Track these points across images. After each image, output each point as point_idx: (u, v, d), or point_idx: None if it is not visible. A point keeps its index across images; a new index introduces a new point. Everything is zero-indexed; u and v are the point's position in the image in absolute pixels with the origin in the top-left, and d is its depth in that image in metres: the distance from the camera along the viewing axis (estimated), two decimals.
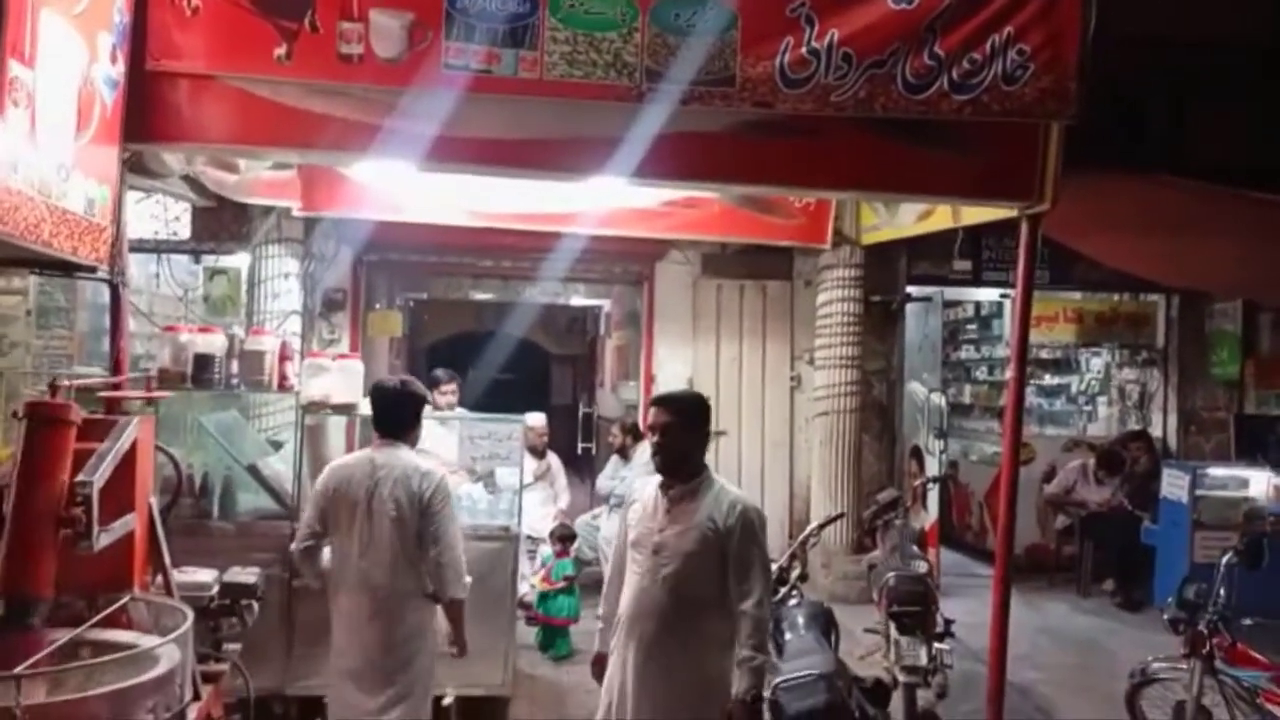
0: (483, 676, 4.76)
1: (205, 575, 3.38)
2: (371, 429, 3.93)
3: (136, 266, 6.35)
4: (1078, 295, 9.33)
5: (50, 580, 2.48)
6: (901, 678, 4.83)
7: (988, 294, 9.55)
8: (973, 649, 5.81)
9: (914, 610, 5.04)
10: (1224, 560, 4.60)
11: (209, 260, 7.30)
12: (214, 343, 4.49)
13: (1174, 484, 7.30)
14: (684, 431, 3.23)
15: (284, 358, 4.68)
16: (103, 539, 2.60)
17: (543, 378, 17.20)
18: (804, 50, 3.77)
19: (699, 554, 3.10)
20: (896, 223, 6.58)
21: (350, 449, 6.90)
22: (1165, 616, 4.63)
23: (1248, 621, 4.60)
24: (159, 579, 3.10)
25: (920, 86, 3.83)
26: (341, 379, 4.73)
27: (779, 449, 8.11)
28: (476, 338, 14.18)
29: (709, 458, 3.37)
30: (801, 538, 4.86)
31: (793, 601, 4.42)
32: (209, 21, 3.65)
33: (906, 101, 3.85)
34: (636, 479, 3.55)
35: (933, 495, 7.39)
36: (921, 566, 5.46)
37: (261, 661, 4.10)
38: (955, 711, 5.09)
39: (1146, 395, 9.51)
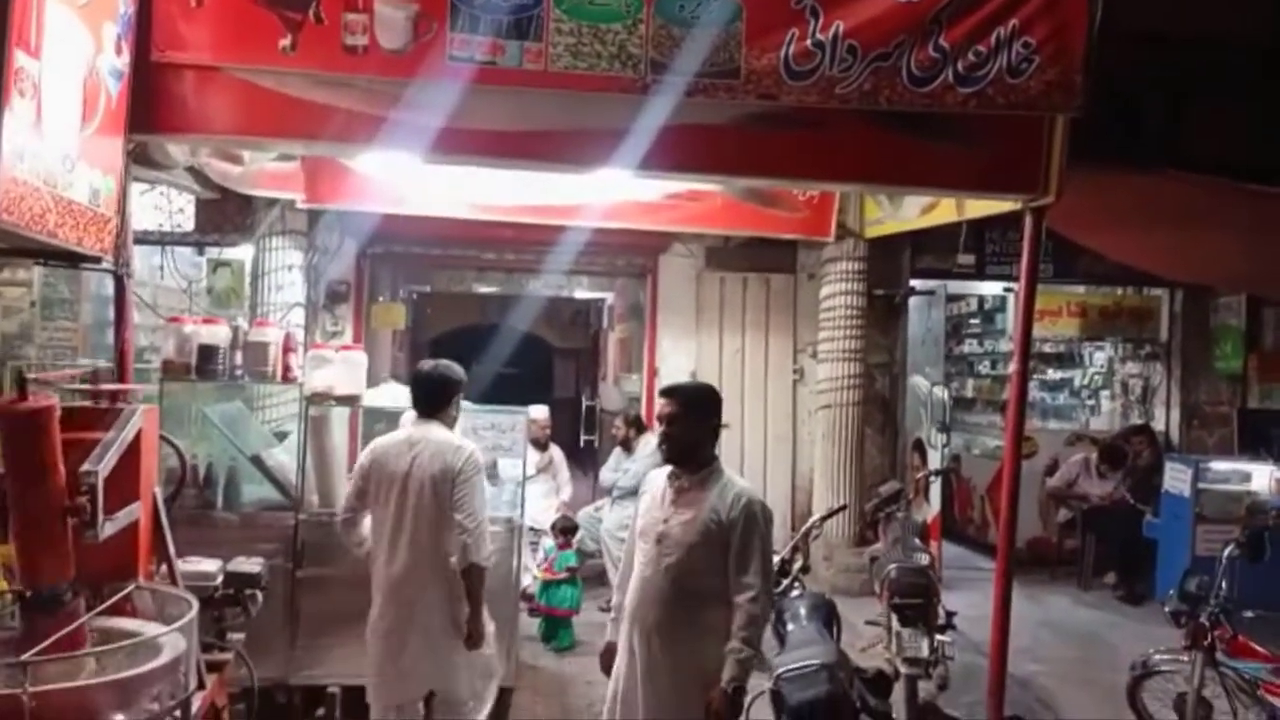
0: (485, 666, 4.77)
1: (209, 565, 3.40)
2: (414, 409, 4.06)
3: (140, 258, 6.34)
4: (1081, 289, 9.31)
5: (68, 563, 2.50)
6: (903, 669, 4.83)
7: (991, 288, 9.54)
8: (974, 641, 5.82)
9: (916, 602, 5.04)
10: (1226, 553, 4.61)
11: (213, 252, 7.31)
12: (218, 334, 4.50)
13: (1176, 478, 7.30)
14: (691, 422, 3.22)
15: (288, 349, 4.68)
16: (108, 528, 2.61)
17: (546, 371, 17.22)
18: (809, 42, 3.76)
19: (701, 545, 3.10)
20: (900, 216, 6.58)
21: (353, 440, 6.93)
22: (1167, 609, 4.64)
23: (1249, 614, 4.61)
24: (163, 568, 3.12)
25: (925, 79, 3.83)
26: (345, 371, 4.74)
27: (782, 442, 8.12)
28: (480, 331, 14.18)
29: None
30: (804, 529, 4.86)
31: (795, 593, 4.43)
32: (214, 12, 3.66)
33: (911, 94, 3.85)
34: (650, 470, 3.55)
35: (935, 488, 7.39)
36: (923, 559, 5.46)
37: (265, 651, 4.12)
38: (956, 703, 5.10)
39: (1150, 389, 9.50)
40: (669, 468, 3.29)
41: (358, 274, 7.78)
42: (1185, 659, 4.51)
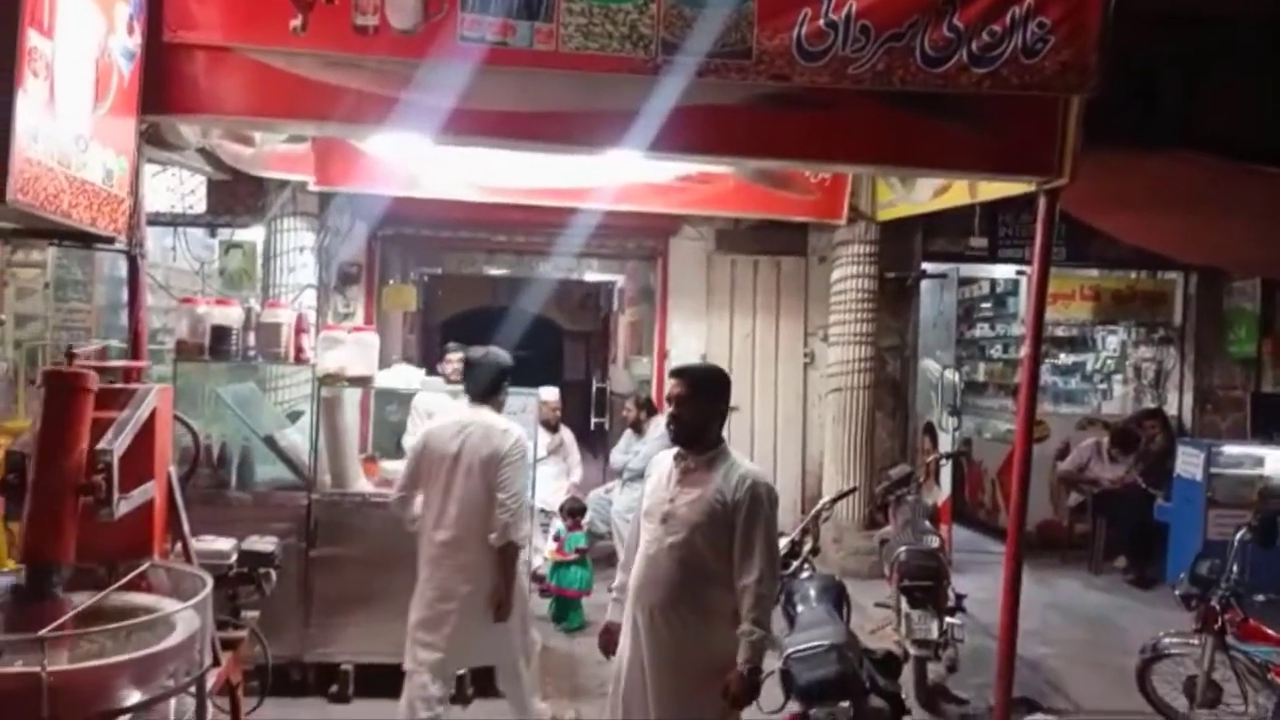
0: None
1: (224, 544, 3.43)
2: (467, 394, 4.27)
3: (152, 240, 6.36)
4: (1095, 272, 9.26)
5: (71, 546, 2.52)
6: (912, 651, 4.85)
7: (1003, 271, 9.50)
8: (983, 624, 5.83)
9: (925, 584, 5.05)
10: (1238, 537, 4.60)
11: (225, 234, 7.33)
12: (231, 315, 4.53)
13: (1189, 462, 7.28)
14: (700, 403, 3.23)
15: (300, 330, 4.71)
16: (122, 506, 2.63)
17: (556, 354, 17.22)
18: (821, 22, 3.73)
19: (706, 526, 3.11)
20: (913, 198, 6.55)
21: (365, 421, 6.97)
22: (1178, 592, 4.65)
23: (1260, 598, 4.61)
24: (178, 547, 3.15)
25: (939, 59, 3.80)
26: (357, 352, 4.77)
27: (792, 425, 8.12)
28: (490, 313, 14.18)
29: (723, 434, 3.37)
30: (814, 511, 4.88)
31: (804, 575, 4.44)
32: None
33: (925, 74, 3.82)
34: (657, 452, 3.56)
35: (946, 472, 7.39)
36: (933, 541, 5.47)
37: (279, 629, 4.17)
38: (965, 685, 5.11)
39: (1162, 373, 9.45)
40: (676, 449, 3.30)
41: (369, 256, 7.80)
42: (1196, 642, 4.52)
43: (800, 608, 4.11)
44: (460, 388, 6.09)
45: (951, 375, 7.69)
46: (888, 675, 3.82)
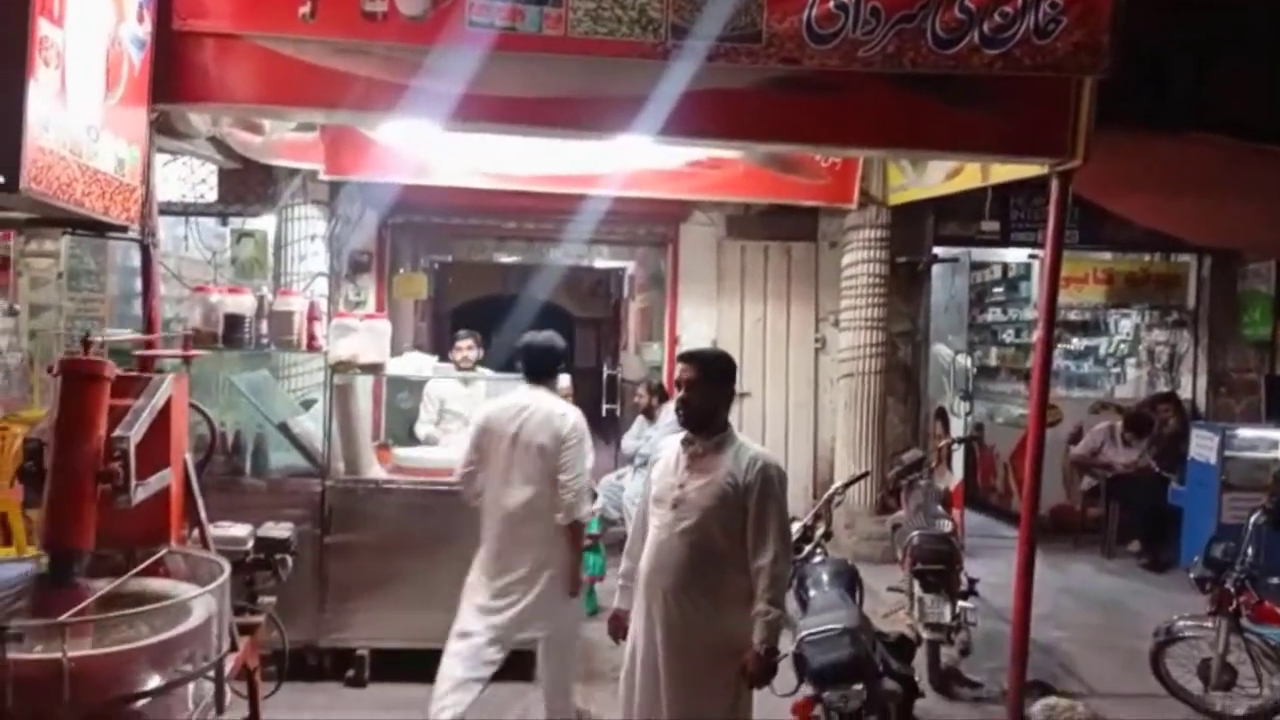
0: None
1: (240, 530, 3.45)
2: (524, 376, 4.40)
3: (164, 229, 6.40)
4: (1108, 255, 9.21)
5: (91, 533, 2.54)
6: (925, 635, 4.86)
7: (1015, 255, 9.44)
8: (996, 608, 5.83)
9: (938, 568, 5.05)
10: (1252, 520, 4.60)
11: (236, 223, 7.34)
12: (244, 303, 4.55)
13: (1202, 445, 7.25)
14: (709, 388, 3.23)
15: (312, 318, 4.73)
16: (140, 493, 2.65)
17: (566, 340, 17.22)
18: (832, 4, 3.72)
19: (718, 509, 3.12)
20: (924, 182, 6.52)
21: (377, 408, 6.99)
22: (1192, 575, 4.64)
23: (1275, 580, 4.62)
24: (195, 533, 3.17)
25: (950, 41, 3.77)
26: (369, 339, 4.78)
27: (803, 411, 8.11)
28: (501, 301, 14.20)
29: (733, 419, 3.37)
30: (827, 496, 4.88)
31: (817, 559, 4.44)
32: None
33: (936, 56, 3.79)
34: (662, 438, 3.57)
35: (958, 456, 7.37)
36: (946, 525, 5.46)
37: (295, 615, 4.19)
38: (978, 669, 5.12)
39: (1176, 357, 9.41)
40: (682, 434, 3.30)
41: (379, 244, 7.80)
42: (1210, 625, 4.52)
43: (813, 592, 4.12)
44: (471, 374, 6.17)
45: (963, 360, 7.66)
46: (900, 659, 3.83)
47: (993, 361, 10.81)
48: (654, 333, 9.32)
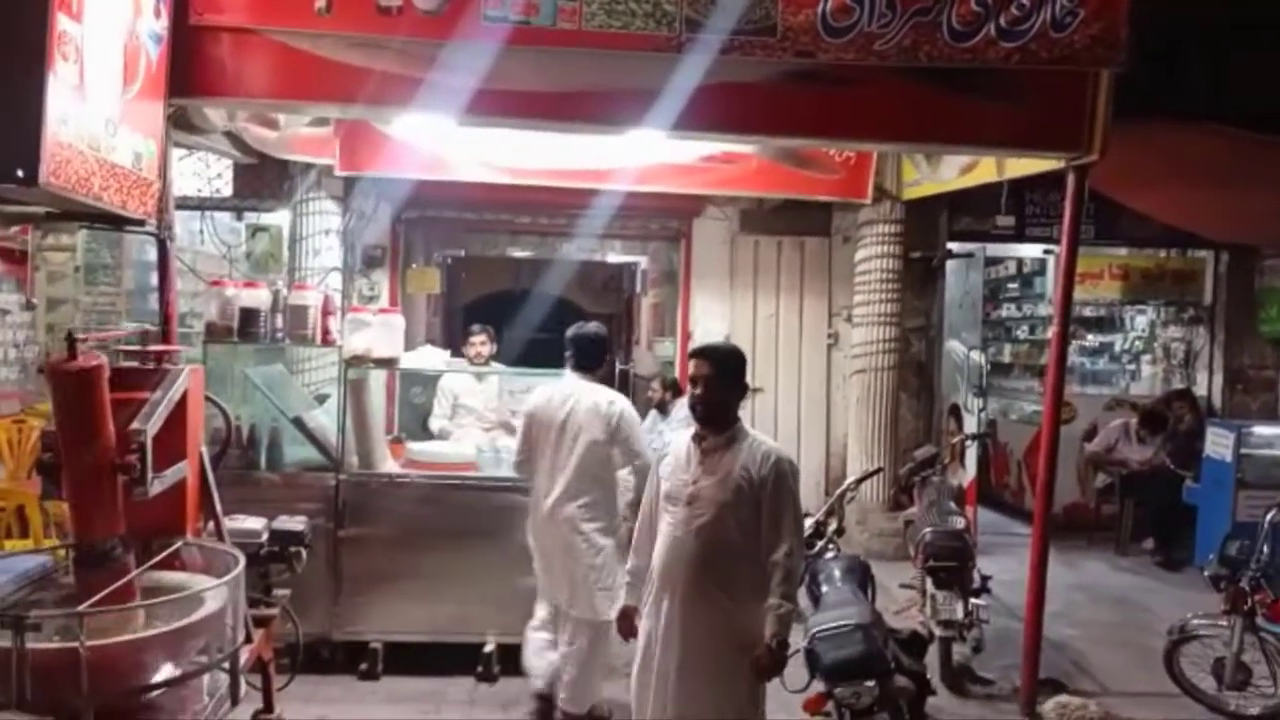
0: (522, 625, 4.82)
1: (255, 523, 3.47)
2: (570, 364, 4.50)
3: (180, 224, 6.42)
4: (1124, 251, 9.14)
5: (118, 517, 2.57)
6: (937, 631, 4.84)
7: (1030, 250, 9.38)
8: (1009, 606, 5.81)
9: (950, 565, 5.03)
10: (1268, 518, 4.56)
11: (251, 217, 7.37)
12: (259, 297, 4.57)
13: (1218, 443, 7.19)
14: (723, 383, 3.22)
15: (327, 312, 4.75)
16: (156, 485, 2.68)
17: None
18: None
19: (733, 504, 3.11)
20: (938, 177, 6.49)
21: (390, 403, 7.01)
22: (1206, 573, 4.62)
23: None
24: (210, 525, 3.19)
25: (966, 34, 3.76)
26: (383, 333, 4.79)
27: (816, 406, 8.10)
28: (513, 296, 14.20)
29: (745, 414, 3.36)
30: (839, 492, 4.86)
31: (829, 555, 4.43)
32: None
33: (952, 50, 3.79)
34: (675, 433, 3.56)
35: (971, 453, 7.34)
36: (959, 522, 5.44)
37: (309, 608, 4.21)
38: (990, 666, 5.10)
39: (1192, 353, 9.33)
40: (690, 430, 3.29)
41: (393, 239, 7.82)
42: (1224, 623, 4.49)
43: (825, 588, 4.11)
44: (484, 369, 6.18)
45: (977, 356, 7.62)
46: (913, 655, 3.82)
47: (1006, 358, 10.75)
48: (666, 328, 9.32)
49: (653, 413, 7.37)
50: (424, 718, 4.43)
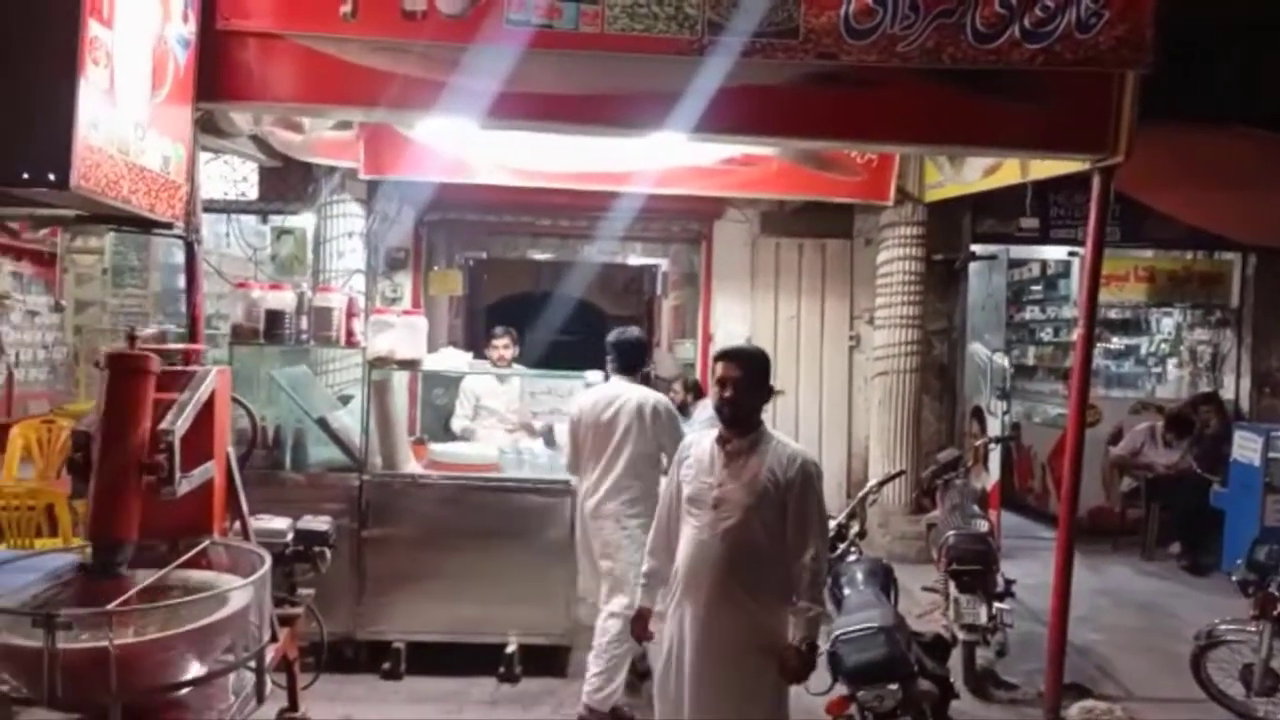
0: (545, 626, 4.88)
1: (280, 522, 3.50)
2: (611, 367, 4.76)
3: (206, 227, 6.47)
4: (1149, 253, 9.05)
5: (135, 524, 2.59)
6: (961, 635, 4.81)
7: (1054, 252, 9.32)
8: (1033, 610, 5.77)
9: (974, 569, 5.00)
10: None
11: (276, 220, 7.44)
12: (285, 299, 4.61)
13: (1246, 446, 7.11)
14: (750, 385, 3.21)
15: (351, 314, 4.78)
16: (184, 485, 2.70)
17: (599, 338, 17.25)
18: None
19: (759, 507, 3.11)
20: (961, 179, 6.45)
21: (413, 405, 7.05)
22: (1234, 578, 4.56)
23: None
24: (237, 525, 3.22)
25: (990, 35, 3.74)
26: (406, 335, 4.83)
27: (837, 408, 8.07)
28: (534, 298, 14.24)
29: (767, 416, 3.35)
30: (861, 494, 4.85)
31: (851, 557, 4.42)
32: None
33: (976, 51, 3.77)
34: (694, 435, 3.55)
35: (995, 457, 7.29)
36: (982, 526, 5.40)
37: (332, 607, 4.24)
38: (1015, 670, 5.06)
39: (1219, 356, 9.23)
40: (712, 432, 3.28)
41: (416, 241, 7.87)
42: (1253, 629, 4.44)
43: (847, 590, 4.09)
44: (507, 371, 6.21)
45: (1001, 359, 7.57)
46: (936, 659, 3.80)
47: (1030, 360, 10.68)
48: (687, 330, 9.31)
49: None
50: (446, 717, 4.45)
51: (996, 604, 4.98)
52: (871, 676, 3.45)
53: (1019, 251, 9.51)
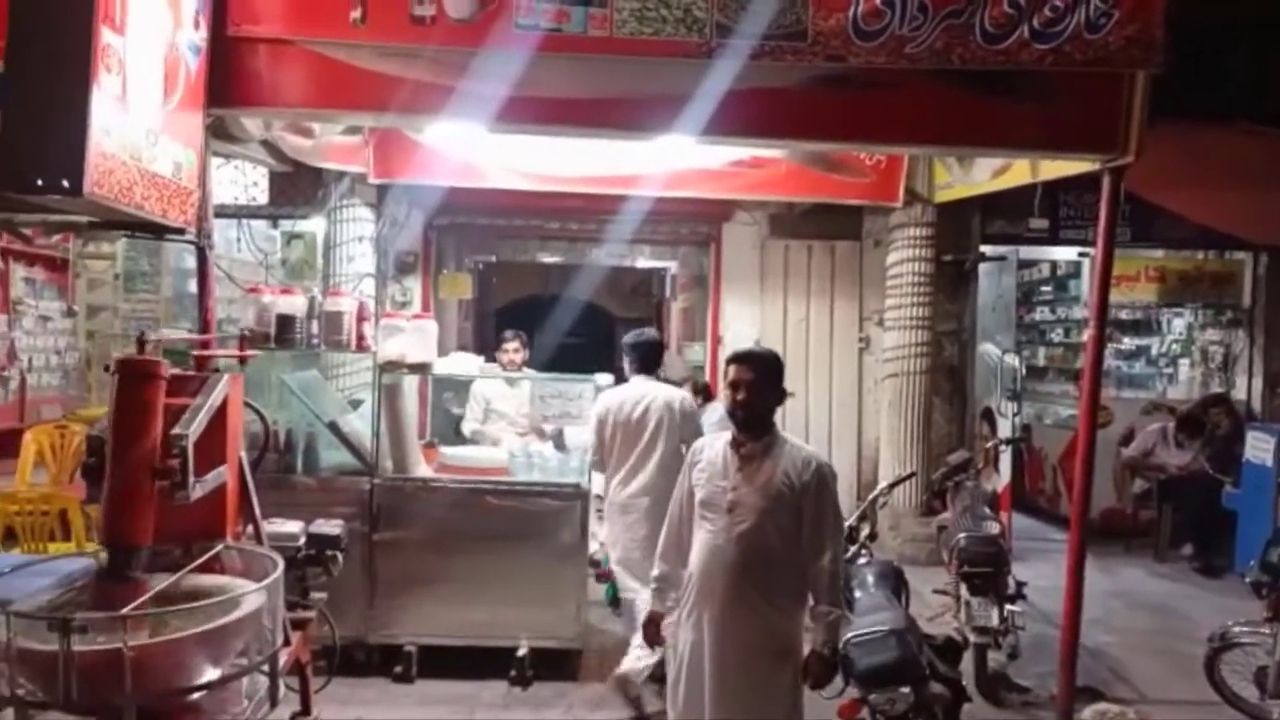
0: (556, 629, 4.88)
1: (292, 526, 3.51)
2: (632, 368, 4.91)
3: (217, 232, 6.51)
4: (1160, 253, 9.03)
5: (149, 529, 2.60)
6: (972, 638, 4.80)
7: (1064, 253, 9.29)
8: (1045, 612, 5.76)
9: (985, 571, 4.99)
10: None
11: (286, 225, 7.47)
12: (296, 304, 4.63)
13: (1258, 447, 7.08)
14: (765, 388, 3.20)
15: (361, 318, 4.80)
16: (197, 490, 2.71)
17: (608, 341, 17.26)
18: (878, 1, 3.69)
19: (774, 510, 3.10)
20: (970, 179, 6.44)
21: (423, 408, 7.06)
22: (1248, 580, 4.54)
23: None
24: (249, 529, 3.23)
25: (999, 36, 3.74)
26: (417, 339, 4.84)
27: (847, 410, 8.06)
28: (543, 301, 14.27)
29: (776, 419, 3.34)
30: (872, 496, 4.84)
31: (862, 560, 4.41)
32: None
33: (985, 52, 3.76)
34: (704, 438, 3.55)
35: (1005, 458, 7.27)
36: (993, 528, 5.39)
37: (343, 612, 4.24)
38: (1027, 673, 5.05)
39: (1231, 357, 9.19)
40: (724, 435, 3.27)
41: (425, 245, 7.89)
42: (1266, 631, 4.42)
43: (858, 593, 4.08)
44: (516, 374, 6.22)
45: (1012, 360, 7.55)
46: (948, 662, 3.80)
47: (1040, 361, 10.65)
48: (696, 332, 9.31)
49: None
50: None
51: (1008, 606, 4.96)
52: (883, 680, 3.44)
53: (1029, 252, 9.49)
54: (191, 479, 2.65)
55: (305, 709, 3.47)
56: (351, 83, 3.89)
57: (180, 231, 3.68)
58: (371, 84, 3.89)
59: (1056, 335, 10.60)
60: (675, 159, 5.99)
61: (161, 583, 2.61)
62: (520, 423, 6.36)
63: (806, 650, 3.16)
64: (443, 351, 5.60)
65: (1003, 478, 7.28)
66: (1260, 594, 4.45)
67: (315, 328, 4.71)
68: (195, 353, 3.62)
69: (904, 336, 7.38)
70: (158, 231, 3.72)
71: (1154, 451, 8.05)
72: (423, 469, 5.13)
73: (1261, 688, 4.45)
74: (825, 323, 8.06)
